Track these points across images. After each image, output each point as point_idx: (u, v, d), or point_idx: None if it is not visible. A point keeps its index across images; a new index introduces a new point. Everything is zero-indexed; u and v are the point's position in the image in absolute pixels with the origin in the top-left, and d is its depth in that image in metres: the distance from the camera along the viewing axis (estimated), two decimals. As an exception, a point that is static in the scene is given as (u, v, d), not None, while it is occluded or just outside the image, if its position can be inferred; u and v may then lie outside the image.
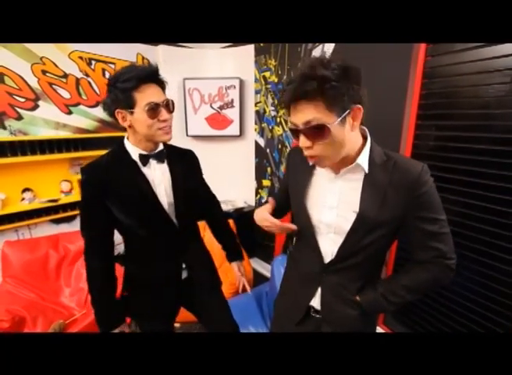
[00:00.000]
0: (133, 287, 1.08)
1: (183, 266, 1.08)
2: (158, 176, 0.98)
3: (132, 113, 0.87)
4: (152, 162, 0.97)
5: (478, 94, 1.20)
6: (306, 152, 0.70)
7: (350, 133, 0.67)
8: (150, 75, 0.88)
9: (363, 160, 0.71)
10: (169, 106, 0.92)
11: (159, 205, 0.97)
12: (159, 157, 0.98)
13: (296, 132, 0.68)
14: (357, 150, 0.72)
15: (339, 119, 0.62)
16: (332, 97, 0.60)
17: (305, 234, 0.84)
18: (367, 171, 0.72)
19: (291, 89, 0.63)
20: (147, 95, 0.86)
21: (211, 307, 1.20)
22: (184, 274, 1.09)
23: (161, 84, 0.93)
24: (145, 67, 0.88)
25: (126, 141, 0.97)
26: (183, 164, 1.06)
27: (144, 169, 0.96)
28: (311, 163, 0.77)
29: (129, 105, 0.86)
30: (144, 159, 0.95)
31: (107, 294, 1.00)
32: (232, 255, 1.29)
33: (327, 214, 0.78)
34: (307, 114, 0.63)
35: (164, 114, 0.89)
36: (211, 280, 1.21)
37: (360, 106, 0.64)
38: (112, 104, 0.88)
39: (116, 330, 1.01)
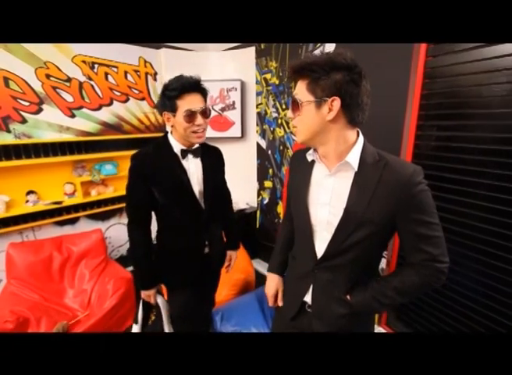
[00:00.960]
0: (165, 257, 1.26)
1: (206, 242, 1.27)
2: (192, 168, 1.17)
3: (174, 116, 1.06)
4: (189, 156, 1.16)
5: (480, 93, 1.19)
6: (291, 122, 0.79)
7: (327, 122, 0.71)
8: (192, 85, 1.05)
9: (352, 158, 0.74)
10: (206, 113, 1.10)
11: (192, 191, 1.17)
12: (195, 153, 1.17)
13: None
14: (347, 147, 0.75)
15: (313, 100, 0.70)
16: (312, 78, 0.69)
17: (303, 232, 0.87)
18: (356, 169, 0.74)
19: (288, 67, 0.74)
20: (186, 103, 1.04)
21: (215, 281, 1.47)
22: (206, 250, 1.28)
23: (203, 93, 1.10)
24: (188, 79, 1.05)
25: (169, 136, 1.15)
26: (212, 159, 1.27)
27: (183, 162, 1.15)
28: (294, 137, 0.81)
29: (173, 110, 1.05)
30: (184, 153, 1.14)
31: (148, 259, 1.21)
32: (231, 245, 1.50)
33: (320, 211, 0.81)
34: (296, 89, 0.74)
35: (199, 120, 1.07)
36: (223, 256, 1.45)
37: (337, 98, 0.68)
38: (160, 107, 1.09)
39: (152, 291, 1.23)
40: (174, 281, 1.29)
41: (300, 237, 0.92)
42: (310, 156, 0.83)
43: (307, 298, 0.90)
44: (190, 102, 1.04)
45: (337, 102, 0.68)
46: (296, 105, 0.74)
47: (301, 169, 0.88)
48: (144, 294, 1.26)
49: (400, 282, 0.77)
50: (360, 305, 0.80)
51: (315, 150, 0.82)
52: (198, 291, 1.32)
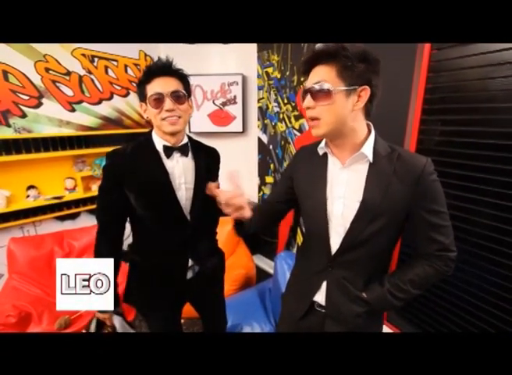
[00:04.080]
0: (140, 278, 1.07)
1: (190, 263, 1.06)
2: (179, 170, 0.99)
3: (146, 105, 0.93)
4: (175, 155, 0.98)
5: (485, 87, 1.17)
6: (308, 113, 0.73)
7: (351, 113, 0.70)
8: (161, 68, 0.91)
9: (367, 150, 0.73)
10: (179, 97, 0.92)
11: (175, 197, 0.98)
12: (183, 150, 0.99)
13: (304, 93, 0.72)
14: (361, 140, 0.75)
15: (345, 89, 0.67)
16: (344, 65, 0.66)
17: (317, 228, 0.84)
18: (371, 160, 0.74)
19: (312, 50, 0.70)
20: (154, 86, 0.90)
21: (212, 307, 1.25)
22: (189, 274, 1.08)
23: (179, 76, 0.95)
24: (156, 61, 0.93)
25: (153, 132, 1.00)
26: (208, 160, 1.08)
27: (167, 161, 0.97)
28: (310, 126, 0.77)
29: (143, 98, 0.93)
30: (168, 151, 0.97)
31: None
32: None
33: (335, 204, 0.79)
34: (318, 76, 0.69)
35: (168, 104, 0.90)
36: (218, 281, 1.23)
37: (367, 87, 0.67)
38: (138, 98, 0.97)
39: (107, 314, 1.03)
40: (148, 307, 1.09)
41: (313, 234, 0.89)
42: (321, 150, 0.81)
43: (318, 298, 0.87)
44: (157, 85, 0.90)
45: (367, 92, 0.68)
46: (323, 94, 0.68)
47: (312, 164, 0.86)
48: (98, 314, 1.06)
49: (415, 274, 0.77)
50: (377, 302, 0.79)
51: (327, 143, 0.80)
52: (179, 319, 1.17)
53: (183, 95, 0.94)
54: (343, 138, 0.74)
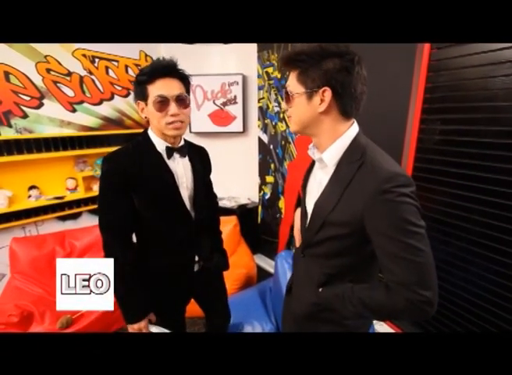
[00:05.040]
0: (145, 277, 1.04)
1: (196, 258, 1.09)
2: (180, 170, 1.00)
3: (146, 105, 0.91)
4: (176, 155, 0.99)
5: (485, 86, 1.17)
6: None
7: (317, 113, 0.69)
8: (165, 68, 0.89)
9: (328, 154, 0.72)
10: (184, 101, 0.92)
11: (180, 197, 0.99)
12: (182, 151, 1.00)
13: None
14: (333, 140, 0.72)
15: (304, 91, 0.68)
16: (301, 69, 0.68)
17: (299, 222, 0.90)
18: (328, 165, 0.73)
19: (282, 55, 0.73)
20: (157, 88, 0.88)
21: (217, 301, 1.28)
22: (196, 267, 1.11)
23: (182, 78, 0.94)
24: (161, 61, 0.90)
25: (150, 132, 0.98)
26: (201, 160, 1.11)
27: (169, 162, 0.98)
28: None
29: (144, 97, 0.90)
30: (170, 152, 0.97)
31: (132, 285, 0.97)
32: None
33: (309, 204, 0.81)
34: (288, 81, 0.73)
35: (173, 108, 0.89)
36: (221, 276, 1.26)
37: (327, 88, 0.65)
38: (134, 95, 0.94)
39: (143, 323, 0.97)
40: (153, 306, 1.04)
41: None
42: (310, 149, 0.81)
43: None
44: (161, 87, 0.88)
45: (328, 93, 0.65)
46: (287, 97, 0.73)
47: (307, 170, 0.91)
48: (132, 328, 0.98)
49: (368, 296, 0.69)
50: (324, 299, 0.78)
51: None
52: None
53: (187, 99, 0.94)
54: (317, 138, 0.74)
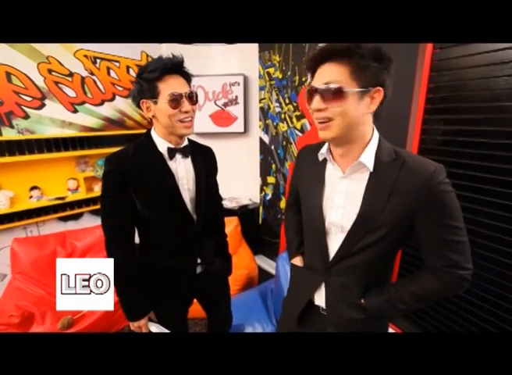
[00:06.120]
0: (147, 279, 1.04)
1: (198, 260, 1.08)
2: (182, 171, 0.99)
3: (156, 103, 0.89)
4: (178, 156, 0.98)
5: (488, 86, 1.16)
6: (316, 115, 0.67)
7: (364, 115, 0.66)
8: (175, 66, 0.89)
9: (366, 158, 0.69)
10: (192, 98, 0.93)
11: (181, 199, 0.98)
12: (185, 152, 1.00)
13: (312, 93, 0.66)
14: (364, 144, 0.70)
15: (358, 90, 0.62)
16: (358, 64, 0.61)
17: (315, 234, 0.82)
18: (371, 169, 0.69)
19: (321, 47, 0.64)
20: (170, 86, 0.88)
21: (219, 303, 1.27)
22: (198, 269, 1.09)
23: (187, 76, 0.95)
24: (170, 58, 0.89)
25: (152, 133, 0.98)
26: (205, 160, 1.09)
27: (170, 163, 0.97)
28: (318, 128, 0.70)
29: (154, 95, 0.88)
30: (171, 153, 0.96)
31: (133, 284, 0.98)
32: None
33: (334, 214, 0.76)
34: (329, 75, 0.63)
35: (186, 105, 0.90)
36: (225, 279, 1.25)
37: (381, 89, 0.64)
38: (137, 94, 0.91)
39: (142, 321, 0.99)
40: (155, 307, 1.06)
41: (310, 238, 0.87)
42: (322, 156, 0.78)
43: (319, 300, 0.85)
44: (173, 85, 0.88)
45: (380, 93, 0.64)
46: (336, 95, 0.62)
47: (312, 168, 0.83)
48: (133, 326, 1.01)
49: (418, 288, 0.72)
50: (375, 310, 0.76)
51: (329, 149, 0.76)
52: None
53: (197, 97, 0.95)
54: (351, 143, 0.70)
